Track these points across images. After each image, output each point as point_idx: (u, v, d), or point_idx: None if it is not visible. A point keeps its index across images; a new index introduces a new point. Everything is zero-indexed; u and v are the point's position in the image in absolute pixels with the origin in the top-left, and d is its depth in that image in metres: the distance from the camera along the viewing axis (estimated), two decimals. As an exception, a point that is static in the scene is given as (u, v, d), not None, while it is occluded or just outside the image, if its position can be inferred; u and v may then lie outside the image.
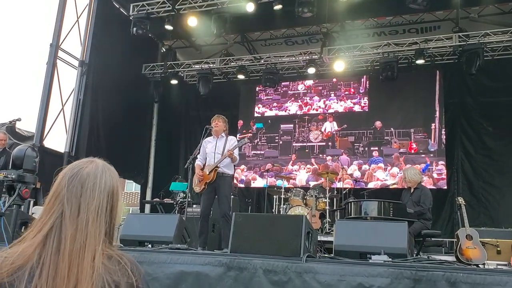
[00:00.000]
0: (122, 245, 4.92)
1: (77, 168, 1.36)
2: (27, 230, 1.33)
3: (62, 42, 9.26)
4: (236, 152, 6.10)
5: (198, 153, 6.38)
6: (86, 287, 1.20)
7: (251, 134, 11.55)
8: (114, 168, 1.45)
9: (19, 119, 6.79)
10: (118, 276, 1.27)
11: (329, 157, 10.84)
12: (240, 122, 11.85)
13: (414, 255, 5.03)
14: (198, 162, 6.28)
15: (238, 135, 11.43)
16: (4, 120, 6.95)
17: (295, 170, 11.01)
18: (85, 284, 1.20)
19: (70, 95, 9.57)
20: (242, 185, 11.32)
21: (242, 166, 11.24)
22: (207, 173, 6.03)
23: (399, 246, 4.10)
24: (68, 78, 9.68)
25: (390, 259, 3.90)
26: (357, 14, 9.99)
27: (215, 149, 6.14)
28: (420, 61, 9.60)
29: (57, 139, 9.65)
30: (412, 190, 6.51)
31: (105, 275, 1.25)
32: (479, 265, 5.36)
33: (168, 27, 9.82)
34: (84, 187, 1.31)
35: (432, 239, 6.53)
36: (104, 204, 1.33)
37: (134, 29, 9.54)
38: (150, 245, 4.79)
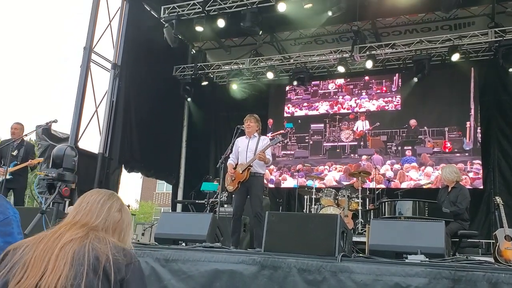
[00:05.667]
0: (156, 243, 4.99)
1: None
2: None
3: (95, 45, 9.45)
4: (268, 153, 6.06)
5: (230, 152, 6.38)
6: None
7: (284, 132, 11.50)
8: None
9: (55, 121, 6.94)
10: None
11: (363, 157, 10.70)
12: (270, 121, 11.84)
13: (451, 255, 4.92)
14: (230, 161, 6.28)
15: (269, 134, 11.42)
16: (41, 122, 7.13)
17: (326, 170, 10.90)
18: None
19: (104, 97, 9.75)
20: (272, 186, 11.27)
21: (272, 167, 11.19)
22: (240, 172, 6.02)
23: (437, 246, 4.02)
24: (102, 81, 9.88)
25: (427, 259, 3.83)
26: (388, 12, 9.84)
27: (247, 148, 6.11)
28: (454, 58, 9.38)
29: (91, 141, 9.87)
30: (449, 188, 6.35)
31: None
32: (519, 267, 5.19)
33: (198, 29, 9.89)
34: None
35: (468, 240, 6.37)
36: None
37: (167, 37, 9.66)
38: (184, 244, 4.84)
